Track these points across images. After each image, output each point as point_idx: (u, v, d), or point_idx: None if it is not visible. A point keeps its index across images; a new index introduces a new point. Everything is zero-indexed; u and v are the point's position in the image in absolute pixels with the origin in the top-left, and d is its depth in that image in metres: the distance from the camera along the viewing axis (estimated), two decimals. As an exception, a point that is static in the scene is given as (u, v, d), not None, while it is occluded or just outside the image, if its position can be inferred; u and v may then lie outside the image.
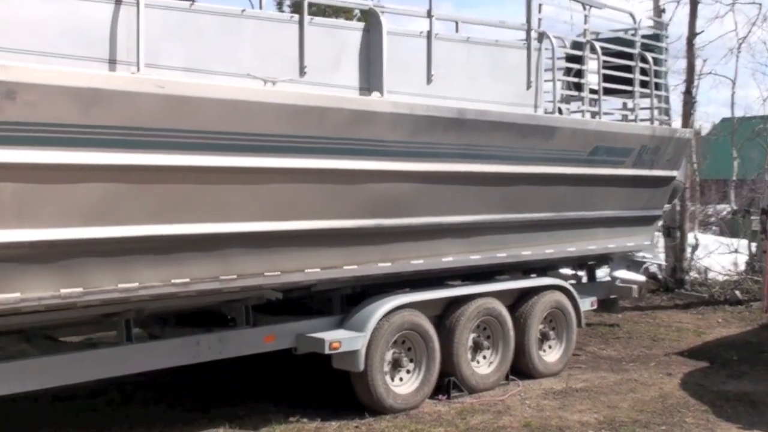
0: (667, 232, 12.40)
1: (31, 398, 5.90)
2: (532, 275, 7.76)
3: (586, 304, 7.73)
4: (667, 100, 12.00)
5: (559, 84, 7.76)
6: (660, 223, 12.52)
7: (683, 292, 11.77)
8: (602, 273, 9.73)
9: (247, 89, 4.59)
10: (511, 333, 6.78)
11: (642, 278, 10.04)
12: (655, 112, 8.11)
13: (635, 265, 10.07)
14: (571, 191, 7.07)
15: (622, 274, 10.03)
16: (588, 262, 8.69)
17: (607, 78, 7.59)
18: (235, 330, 5.36)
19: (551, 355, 7.29)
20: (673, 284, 12.03)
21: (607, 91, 7.73)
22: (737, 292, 11.34)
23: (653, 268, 11.35)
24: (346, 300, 6.10)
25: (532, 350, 6.98)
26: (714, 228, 17.53)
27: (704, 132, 26.81)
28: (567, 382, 6.86)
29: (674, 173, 8.29)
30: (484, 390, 6.52)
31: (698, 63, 14.67)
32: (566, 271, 9.15)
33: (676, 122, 12.08)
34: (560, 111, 6.88)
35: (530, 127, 6.39)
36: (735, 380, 7.11)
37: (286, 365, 6.59)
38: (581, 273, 9.62)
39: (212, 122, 4.42)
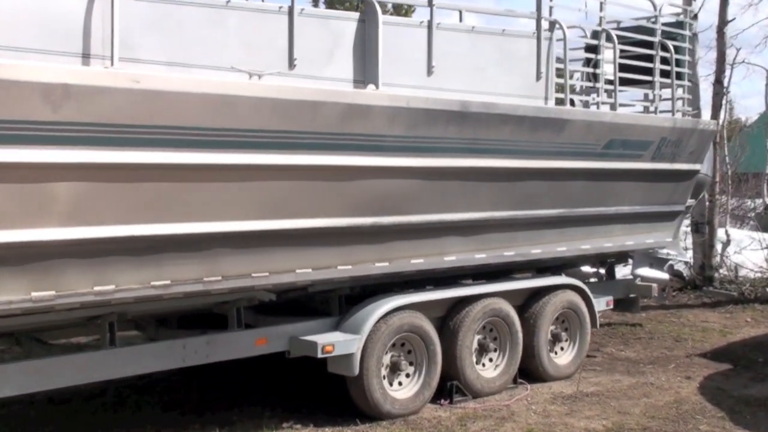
0: (696, 228, 11.97)
1: (26, 401, 5.82)
2: (546, 274, 7.50)
3: (602, 303, 7.42)
4: (695, 90, 11.63)
5: (575, 75, 7.49)
6: (688, 218, 12.14)
7: (712, 290, 11.36)
8: (628, 270, 9.41)
9: (230, 83, 4.39)
10: (520, 334, 6.52)
11: (666, 276, 9.67)
12: (678, 103, 7.74)
13: (659, 262, 9.65)
14: (585, 186, 6.76)
15: (645, 271, 9.64)
16: (606, 260, 8.35)
17: (626, 68, 7.27)
18: (225, 333, 5.19)
19: (563, 357, 7.00)
20: (701, 282, 11.61)
21: (627, 82, 7.41)
22: (768, 290, 10.90)
23: (679, 266, 10.93)
24: (345, 300, 5.90)
25: (542, 352, 6.70)
26: (752, 223, 16.98)
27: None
28: (578, 386, 6.58)
29: (697, 167, 7.91)
30: (490, 394, 6.27)
31: (731, 52, 14.18)
32: (588, 269, 8.87)
33: (707, 113, 11.67)
34: (572, 103, 6.56)
35: (539, 119, 6.10)
36: (758, 383, 6.76)
37: (286, 367, 6.40)
38: (603, 271, 9.32)
39: (193, 118, 4.24)
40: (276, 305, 5.85)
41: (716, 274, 11.71)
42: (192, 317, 5.87)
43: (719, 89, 11.67)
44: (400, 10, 14.65)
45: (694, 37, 11.72)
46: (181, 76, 4.24)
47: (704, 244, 11.67)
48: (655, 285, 8.25)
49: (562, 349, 7.04)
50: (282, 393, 6.28)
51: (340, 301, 5.86)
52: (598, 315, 7.26)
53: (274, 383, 6.55)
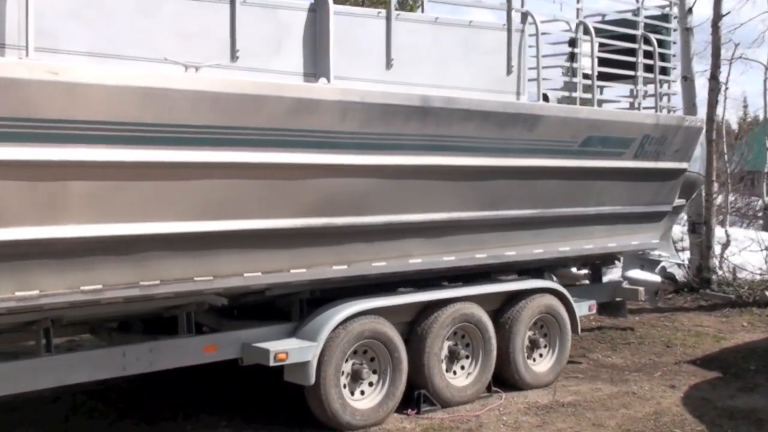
0: (692, 228, 11.63)
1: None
2: (527, 277, 7.22)
3: (584, 308, 7.11)
4: (690, 87, 11.30)
5: (555, 69, 7.18)
6: (684, 218, 11.80)
7: (709, 293, 11.00)
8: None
9: (159, 75, 4.13)
10: (493, 341, 6.22)
11: (657, 279, 9.35)
12: (664, 99, 7.45)
13: (650, 264, 9.33)
14: (561, 186, 6.46)
15: (636, 274, 9.31)
16: (593, 262, 8.03)
17: (607, 63, 7.00)
18: (169, 339, 4.93)
19: (542, 364, 6.70)
20: (698, 284, 11.26)
21: (609, 77, 7.14)
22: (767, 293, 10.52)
23: (672, 268, 10.56)
24: (308, 304, 5.62)
25: (518, 359, 6.41)
26: (760, 222, 16.60)
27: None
28: (554, 395, 6.28)
29: (684, 165, 7.59)
30: (461, 403, 5.98)
31: (730, 47, 13.85)
32: (578, 271, 8.57)
33: (702, 110, 11.34)
34: (546, 98, 6.27)
35: (508, 115, 5.81)
36: (745, 394, 6.43)
37: (246, 373, 6.14)
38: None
39: (119, 112, 3.98)
40: (245, 309, 5.63)
41: (714, 276, 11.35)
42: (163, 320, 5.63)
43: (714, 85, 11.34)
44: (405, 5, 14.14)
45: (688, 32, 11.47)
46: (104, 68, 3.98)
47: (701, 245, 11.33)
48: (641, 288, 7.92)
49: (540, 355, 6.73)
50: (241, 400, 6.02)
51: (301, 306, 5.59)
52: (579, 320, 6.95)
53: (235, 389, 6.28)
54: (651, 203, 7.45)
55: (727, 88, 13.66)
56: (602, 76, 7.12)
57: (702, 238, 11.34)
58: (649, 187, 7.33)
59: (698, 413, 5.84)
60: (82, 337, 6.45)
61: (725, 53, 12.92)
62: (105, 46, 4.11)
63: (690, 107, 11.52)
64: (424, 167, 5.38)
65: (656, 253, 9.31)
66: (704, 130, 8.26)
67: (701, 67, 12.67)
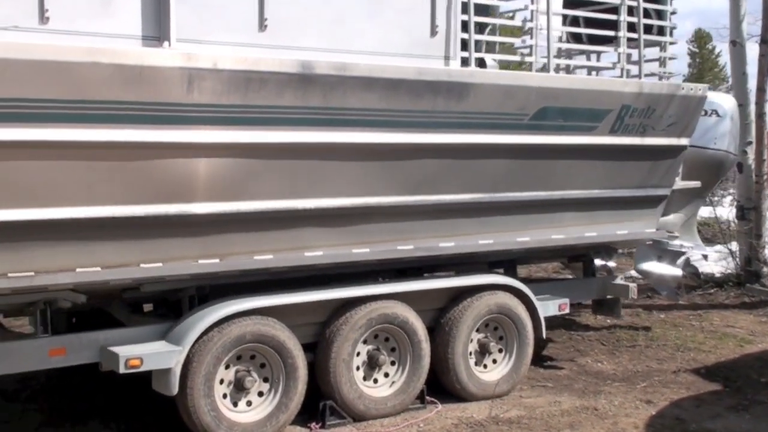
0: (741, 214, 10.23)
1: None
2: (497, 270, 6.37)
3: (551, 308, 6.13)
4: (741, 52, 9.87)
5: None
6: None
7: (756, 288, 9.64)
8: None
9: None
10: (424, 345, 5.40)
11: (677, 272, 8.18)
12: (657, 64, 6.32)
13: (670, 255, 8.17)
14: (511, 166, 5.53)
15: (651, 267, 8.22)
16: (584, 253, 6.99)
17: (590, 23, 6.01)
18: (4, 343, 4.41)
19: (494, 372, 5.81)
20: (745, 278, 9.90)
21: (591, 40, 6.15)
22: (822, 290, 9.08)
23: (698, 261, 9.23)
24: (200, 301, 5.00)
25: (458, 366, 5.56)
26: None
27: None
28: (492, 410, 5.40)
29: (683, 141, 6.43)
30: (381, 416, 5.23)
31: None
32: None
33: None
34: (483, 63, 5.33)
35: (426, 84, 4.92)
36: (734, 413, 5.37)
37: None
38: (611, 264, 7.99)
39: None
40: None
41: (765, 269, 9.95)
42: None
43: (766, 50, 9.83)
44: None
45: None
46: None
47: (750, 233, 9.94)
48: (633, 285, 6.82)
49: (494, 362, 5.85)
50: (134, 404, 5.49)
51: (191, 303, 4.97)
52: (543, 322, 5.99)
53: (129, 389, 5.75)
54: (641, 186, 6.35)
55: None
56: (580, 39, 6.14)
57: (751, 225, 9.95)
58: (636, 168, 6.24)
59: (657, 439, 4.86)
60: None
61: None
62: None
63: (739, 76, 10.14)
64: (310, 145, 4.62)
65: (678, 243, 8.14)
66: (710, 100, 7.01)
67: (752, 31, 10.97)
